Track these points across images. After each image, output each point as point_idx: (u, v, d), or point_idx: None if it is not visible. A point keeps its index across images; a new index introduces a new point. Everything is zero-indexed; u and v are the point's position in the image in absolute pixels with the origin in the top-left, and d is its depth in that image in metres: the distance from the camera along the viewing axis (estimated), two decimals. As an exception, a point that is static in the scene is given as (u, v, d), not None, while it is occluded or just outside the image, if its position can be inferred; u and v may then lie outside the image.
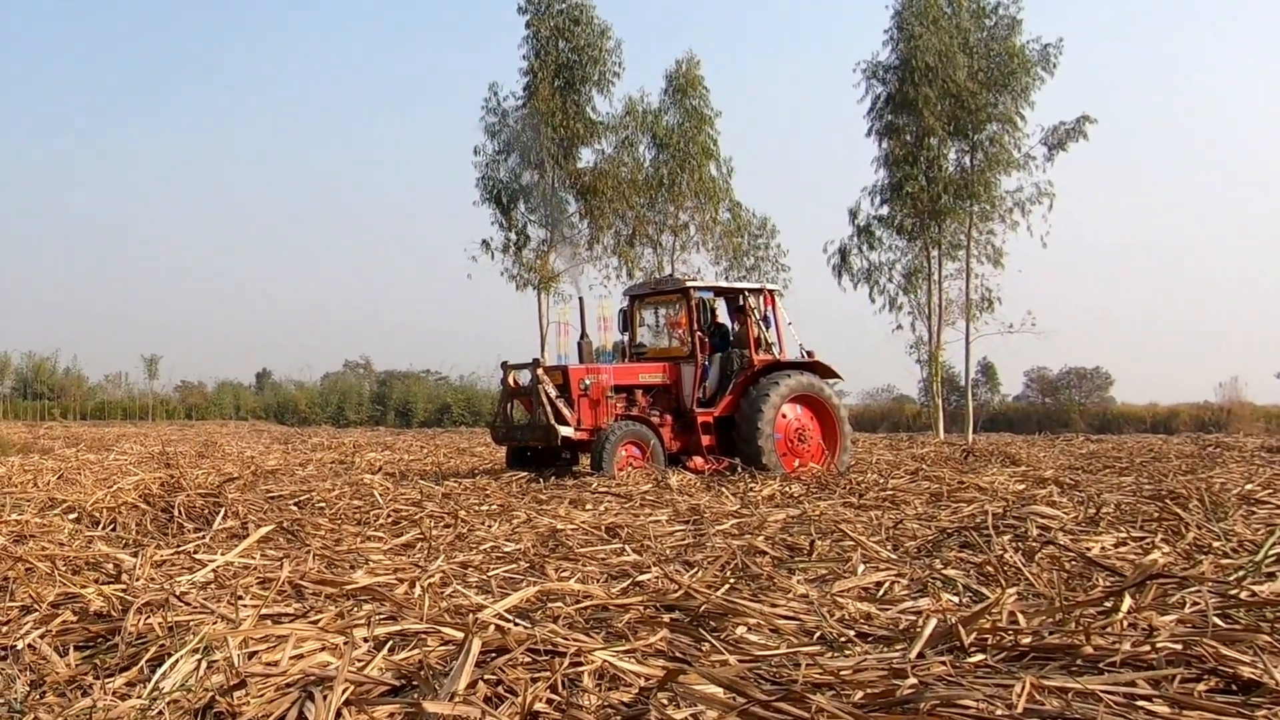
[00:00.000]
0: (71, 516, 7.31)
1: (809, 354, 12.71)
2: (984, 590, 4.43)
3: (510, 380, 12.50)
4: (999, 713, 2.65)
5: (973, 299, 28.42)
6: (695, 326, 12.31)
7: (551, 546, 6.11)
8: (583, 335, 12.83)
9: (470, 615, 3.87)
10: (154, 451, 17.47)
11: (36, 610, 4.19)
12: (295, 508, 8.07)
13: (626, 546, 5.96)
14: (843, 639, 3.60)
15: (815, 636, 3.65)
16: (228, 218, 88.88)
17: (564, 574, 5.16)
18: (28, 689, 3.29)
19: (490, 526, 7.07)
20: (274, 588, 4.48)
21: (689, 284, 12.63)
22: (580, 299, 13.47)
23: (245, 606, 4.05)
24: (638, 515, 7.53)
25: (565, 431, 11.50)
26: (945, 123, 27.68)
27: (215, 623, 3.75)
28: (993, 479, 9.58)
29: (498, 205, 29.91)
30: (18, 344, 67.60)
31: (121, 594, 4.32)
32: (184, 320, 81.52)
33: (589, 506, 8.23)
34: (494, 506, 8.22)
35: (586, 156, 30.12)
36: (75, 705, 3.09)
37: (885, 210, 29.16)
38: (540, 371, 11.77)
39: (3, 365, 61.05)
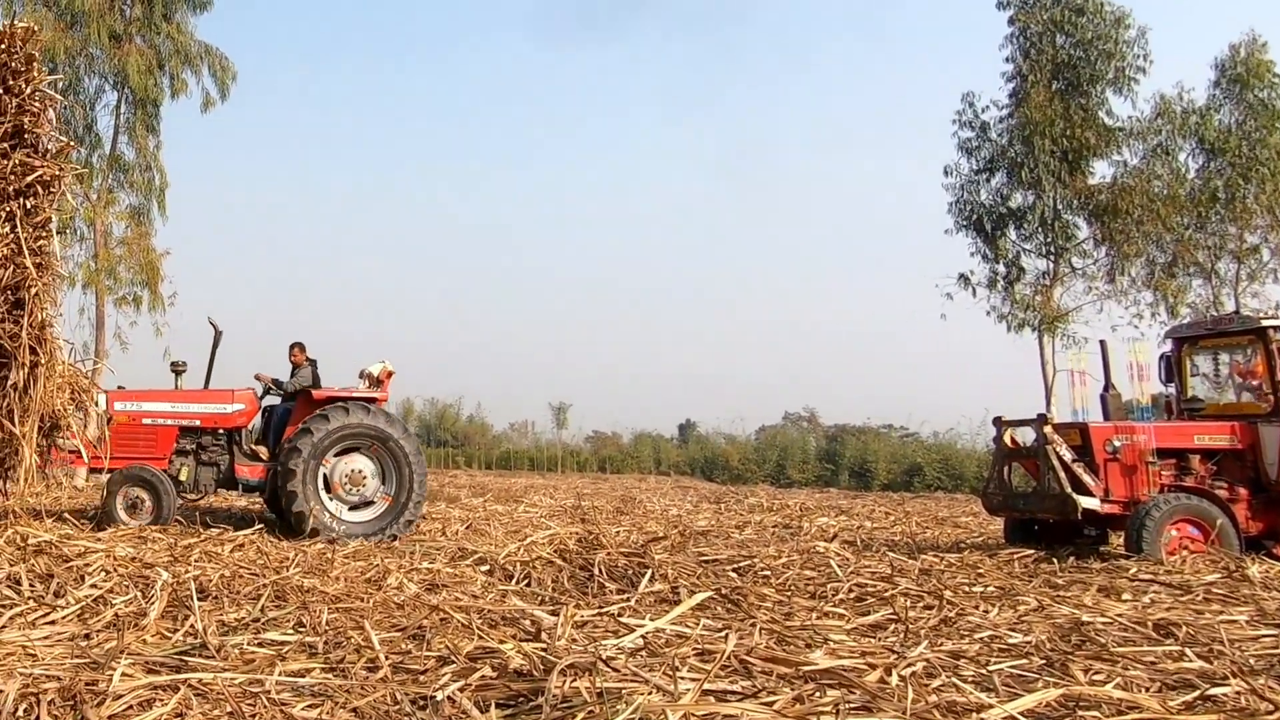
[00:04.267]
0: (483, 568, 8.33)
1: None
2: None
3: (1007, 439, 12.75)
4: None
5: None
6: None
7: (1076, 642, 6.03)
8: (1107, 386, 12.82)
9: (970, 716, 3.86)
10: (566, 505, 19.22)
11: (454, 662, 4.80)
12: (734, 574, 8.59)
13: (1187, 650, 5.76)
14: None
15: None
16: (636, 261, 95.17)
17: (1096, 676, 5.06)
18: (448, 744, 3.75)
19: (987, 611, 7.13)
20: (717, 661, 4.75)
21: (1267, 322, 12.16)
22: (1102, 342, 13.46)
23: (684, 679, 4.34)
24: (1201, 611, 7.30)
25: (1088, 503, 11.37)
26: None
27: (650, 693, 4.05)
28: None
29: (979, 233, 30.58)
30: (422, 390, 77.20)
31: (542, 653, 4.85)
32: (595, 368, 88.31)
33: (1127, 596, 8.09)
34: (990, 588, 8.30)
35: (1101, 170, 30.06)
36: (499, 767, 3.47)
37: None
38: (1049, 429, 11.81)
39: (406, 411, 70.19)
